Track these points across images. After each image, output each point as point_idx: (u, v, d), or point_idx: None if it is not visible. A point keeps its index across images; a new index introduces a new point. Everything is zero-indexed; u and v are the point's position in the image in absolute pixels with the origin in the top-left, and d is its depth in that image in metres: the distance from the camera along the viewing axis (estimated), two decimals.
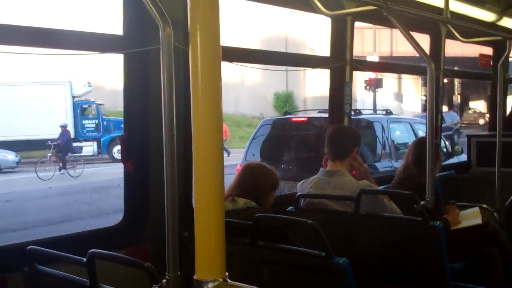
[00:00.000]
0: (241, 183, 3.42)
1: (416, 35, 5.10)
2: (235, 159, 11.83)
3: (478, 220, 4.56)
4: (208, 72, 1.38)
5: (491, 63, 6.76)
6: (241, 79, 32.76)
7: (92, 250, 2.14)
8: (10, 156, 22.68)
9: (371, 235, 3.56)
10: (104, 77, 29.53)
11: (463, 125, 35.85)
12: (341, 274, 2.65)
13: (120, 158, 3.43)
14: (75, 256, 2.24)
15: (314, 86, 31.62)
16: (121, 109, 3.49)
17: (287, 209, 3.85)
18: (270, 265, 2.94)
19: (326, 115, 5.63)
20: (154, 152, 3.15)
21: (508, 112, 7.90)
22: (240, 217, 3.12)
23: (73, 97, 26.42)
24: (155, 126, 3.03)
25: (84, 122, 26.45)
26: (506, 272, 4.16)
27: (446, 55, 5.77)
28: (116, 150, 24.81)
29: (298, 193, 3.90)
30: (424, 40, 5.58)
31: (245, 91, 33.78)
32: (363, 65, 5.00)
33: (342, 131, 4.11)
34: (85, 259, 2.13)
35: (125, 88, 3.27)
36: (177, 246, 2.11)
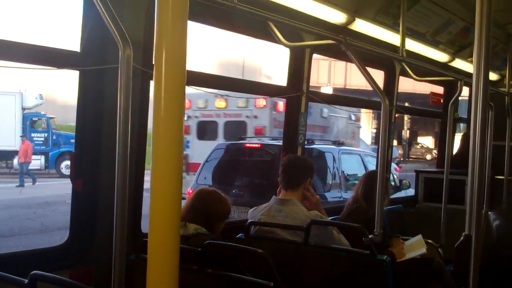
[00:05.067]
0: (194, 209, 3.38)
1: (372, 70, 5.24)
2: (188, 180, 11.75)
3: (423, 250, 4.64)
4: (171, 96, 1.36)
5: (442, 102, 6.97)
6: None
7: (34, 272, 2.07)
8: None
9: (319, 266, 3.57)
10: (57, 91, 28.95)
11: (410, 159, 36.76)
12: None
13: (68, 174, 3.35)
14: (16, 277, 2.16)
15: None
16: (73, 123, 3.42)
17: (237, 236, 3.83)
18: None
19: (280, 142, 5.67)
20: (105, 172, 3.09)
21: (455, 150, 8.13)
22: (189, 243, 3.08)
23: (23, 109, 25.77)
24: (108, 145, 2.99)
25: (33, 135, 25.77)
26: None
27: (399, 90, 5.92)
28: (65, 165, 24.27)
29: (249, 220, 3.89)
30: (379, 76, 5.73)
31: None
32: (319, 96, 5.08)
33: (297, 162, 4.14)
34: (26, 281, 2.06)
35: (79, 105, 3.21)
36: (124, 270, 2.07)
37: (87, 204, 3.25)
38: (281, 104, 12.97)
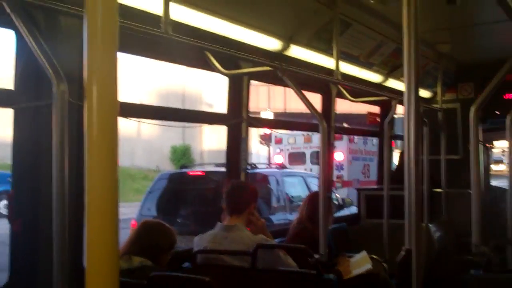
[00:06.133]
0: (138, 241, 3.34)
1: (309, 94, 5.35)
2: (131, 212, 11.53)
3: (368, 266, 4.72)
4: (104, 129, 1.36)
5: (379, 121, 7.17)
6: (136, 131, 32.32)
7: None
8: None
9: None
10: None
11: None
12: None
13: (5, 213, 3.25)
14: None
15: (211, 140, 31.82)
16: (8, 161, 3.33)
17: (184, 266, 3.79)
18: None
19: (224, 169, 5.68)
20: (44, 210, 3.02)
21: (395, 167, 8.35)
22: (134, 276, 3.03)
23: None
24: (46, 184, 2.92)
25: None
26: None
27: (337, 111, 6.06)
28: (3, 205, 23.37)
29: (195, 249, 3.87)
30: (316, 98, 5.85)
31: (141, 144, 33.31)
32: (259, 122, 5.14)
33: (239, 187, 4.16)
34: None
35: (15, 143, 3.13)
36: None
37: (26, 244, 3.14)
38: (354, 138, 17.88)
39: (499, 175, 11.84)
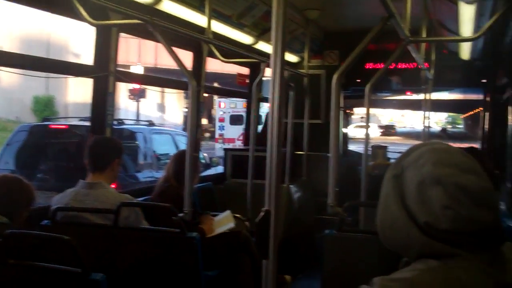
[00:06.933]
0: None
1: (181, 51, 5.28)
2: None
3: (231, 224, 4.87)
4: None
5: (248, 83, 7.28)
6: None
7: None
8: None
9: (131, 248, 3.56)
10: None
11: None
12: None
13: None
14: None
15: (77, 92, 30.47)
16: None
17: (43, 224, 3.65)
18: (23, 286, 2.76)
19: (89, 123, 5.49)
20: None
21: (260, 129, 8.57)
22: None
23: None
24: None
25: None
26: (255, 278, 4.50)
27: (209, 70, 6.06)
28: None
29: (55, 206, 3.73)
30: (188, 56, 5.80)
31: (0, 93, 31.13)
32: (127, 76, 5.00)
33: (103, 142, 4.04)
34: None
35: None
36: None
37: None
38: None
39: (357, 140, 12.59)
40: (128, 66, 23.38)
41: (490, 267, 1.36)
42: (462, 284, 1.32)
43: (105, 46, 4.33)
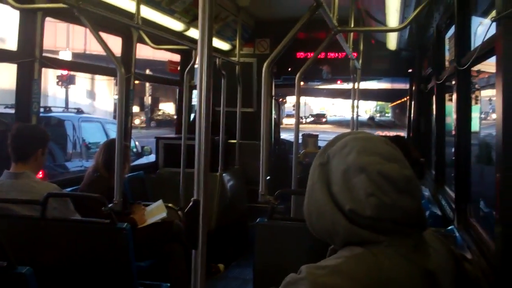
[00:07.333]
0: None
1: (110, 37, 5.15)
2: None
3: (163, 214, 4.83)
4: None
5: (179, 70, 7.20)
6: None
7: None
8: None
9: (59, 240, 3.45)
10: None
11: (152, 125, 37.62)
12: (24, 284, 2.52)
13: None
14: None
15: (2, 78, 29.24)
16: None
17: None
18: None
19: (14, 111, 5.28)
20: None
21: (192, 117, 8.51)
22: None
23: None
24: None
25: None
26: (188, 267, 4.48)
27: (140, 57, 5.94)
28: None
29: None
30: (118, 42, 5.66)
31: None
32: (53, 62, 4.82)
33: (25, 131, 3.85)
34: None
35: None
36: None
37: None
38: None
39: (290, 129, 12.74)
40: (56, 52, 22.63)
41: (413, 254, 1.40)
42: (386, 270, 1.36)
43: (30, 31, 4.16)
